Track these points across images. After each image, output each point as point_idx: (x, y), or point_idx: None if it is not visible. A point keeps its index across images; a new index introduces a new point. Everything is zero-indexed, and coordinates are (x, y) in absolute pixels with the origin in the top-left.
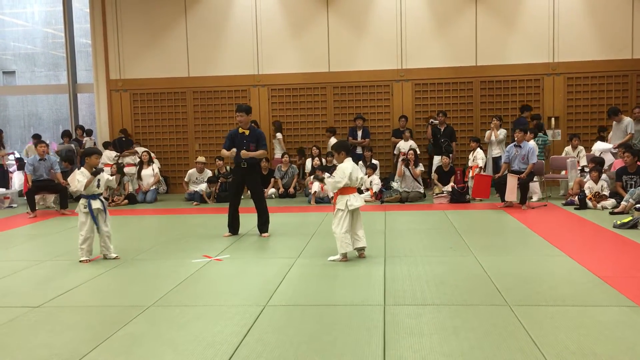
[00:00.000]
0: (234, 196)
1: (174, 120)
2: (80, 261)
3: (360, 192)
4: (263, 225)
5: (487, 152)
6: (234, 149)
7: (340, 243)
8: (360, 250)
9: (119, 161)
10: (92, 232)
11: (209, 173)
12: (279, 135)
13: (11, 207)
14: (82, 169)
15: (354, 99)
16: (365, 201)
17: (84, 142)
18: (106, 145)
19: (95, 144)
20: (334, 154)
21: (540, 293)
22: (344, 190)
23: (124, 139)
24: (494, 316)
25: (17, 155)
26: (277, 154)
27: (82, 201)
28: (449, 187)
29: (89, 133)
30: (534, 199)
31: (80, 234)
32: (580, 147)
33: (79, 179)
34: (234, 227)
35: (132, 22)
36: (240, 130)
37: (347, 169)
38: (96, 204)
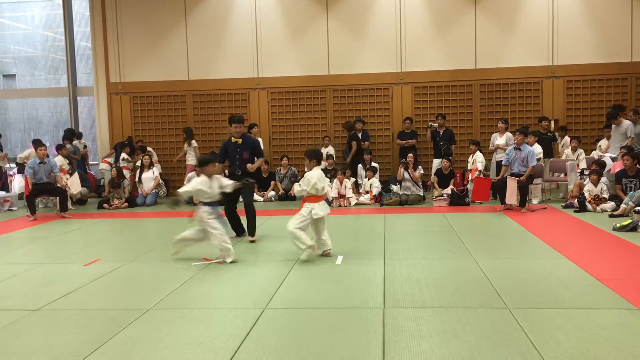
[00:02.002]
0: (228, 202)
1: (174, 123)
2: (174, 254)
3: (329, 202)
4: (251, 228)
5: (492, 155)
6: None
7: (298, 239)
8: (326, 251)
9: (118, 164)
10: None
11: None
12: (194, 142)
13: (11, 210)
14: (203, 177)
15: (354, 102)
16: (365, 204)
17: (74, 144)
18: (122, 146)
19: (85, 146)
20: (306, 160)
21: (539, 296)
22: (310, 198)
23: (126, 142)
24: (493, 319)
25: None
26: (191, 161)
27: (206, 209)
28: (448, 190)
29: (79, 136)
30: (534, 201)
31: (191, 236)
32: (580, 150)
33: (193, 186)
34: (237, 228)
35: (132, 25)
36: (233, 139)
37: (313, 178)
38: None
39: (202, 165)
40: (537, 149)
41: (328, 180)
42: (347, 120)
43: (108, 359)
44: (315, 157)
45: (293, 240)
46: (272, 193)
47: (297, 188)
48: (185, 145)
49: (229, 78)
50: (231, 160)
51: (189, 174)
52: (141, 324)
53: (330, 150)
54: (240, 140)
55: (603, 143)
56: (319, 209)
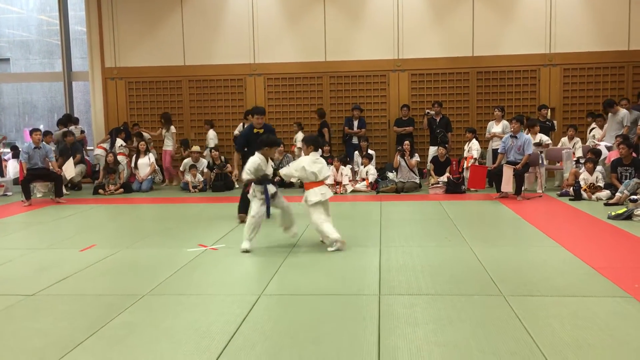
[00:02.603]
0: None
1: (170, 109)
2: (244, 250)
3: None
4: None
5: (489, 144)
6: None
7: (321, 233)
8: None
9: (114, 150)
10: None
11: (204, 162)
12: (172, 128)
13: (6, 195)
14: (261, 156)
15: (350, 89)
16: (361, 191)
17: (70, 129)
18: (117, 132)
19: (83, 132)
20: (303, 146)
21: (534, 283)
22: (308, 184)
23: (121, 128)
24: (489, 306)
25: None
26: (168, 147)
27: (258, 187)
28: (444, 178)
29: (76, 121)
30: (539, 190)
31: (251, 221)
32: (577, 139)
33: (249, 168)
34: (245, 209)
35: (128, 9)
36: (255, 130)
37: (301, 162)
38: (272, 189)
39: (271, 146)
40: (543, 137)
41: (325, 165)
42: (345, 105)
43: (104, 344)
44: (312, 143)
45: (323, 232)
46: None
47: (282, 171)
48: (164, 131)
49: (225, 64)
50: (253, 150)
51: (185, 160)
52: (137, 309)
53: (299, 136)
54: (262, 131)
55: (597, 132)
56: (313, 194)
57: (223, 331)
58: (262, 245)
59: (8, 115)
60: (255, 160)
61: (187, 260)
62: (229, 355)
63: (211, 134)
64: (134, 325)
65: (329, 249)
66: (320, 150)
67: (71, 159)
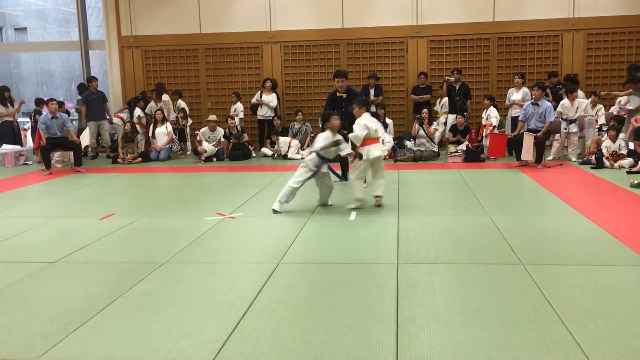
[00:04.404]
0: None
1: (186, 77)
2: (275, 211)
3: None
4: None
5: (508, 111)
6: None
7: (353, 187)
8: (377, 197)
9: (132, 119)
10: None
11: (221, 132)
12: (165, 97)
13: (26, 164)
14: (328, 131)
15: (368, 56)
16: None
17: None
18: (136, 101)
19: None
20: (355, 108)
21: (554, 252)
22: (366, 141)
23: (139, 97)
24: (508, 275)
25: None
26: (171, 116)
27: (316, 160)
28: (463, 146)
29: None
30: (573, 158)
31: (293, 186)
32: (600, 106)
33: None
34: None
35: None
36: (338, 94)
37: (362, 121)
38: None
39: (325, 121)
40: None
41: (380, 124)
42: (362, 73)
43: (125, 311)
44: (365, 105)
45: (353, 188)
46: (295, 143)
47: (352, 135)
48: (160, 103)
49: (241, 31)
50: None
51: (202, 129)
52: (156, 277)
53: (239, 106)
54: (345, 95)
55: (623, 98)
56: (375, 149)
57: (242, 298)
58: (279, 214)
59: (26, 84)
60: (325, 136)
61: (206, 229)
62: (248, 322)
63: (240, 106)
64: (153, 292)
65: (348, 206)
66: (369, 110)
67: (87, 128)
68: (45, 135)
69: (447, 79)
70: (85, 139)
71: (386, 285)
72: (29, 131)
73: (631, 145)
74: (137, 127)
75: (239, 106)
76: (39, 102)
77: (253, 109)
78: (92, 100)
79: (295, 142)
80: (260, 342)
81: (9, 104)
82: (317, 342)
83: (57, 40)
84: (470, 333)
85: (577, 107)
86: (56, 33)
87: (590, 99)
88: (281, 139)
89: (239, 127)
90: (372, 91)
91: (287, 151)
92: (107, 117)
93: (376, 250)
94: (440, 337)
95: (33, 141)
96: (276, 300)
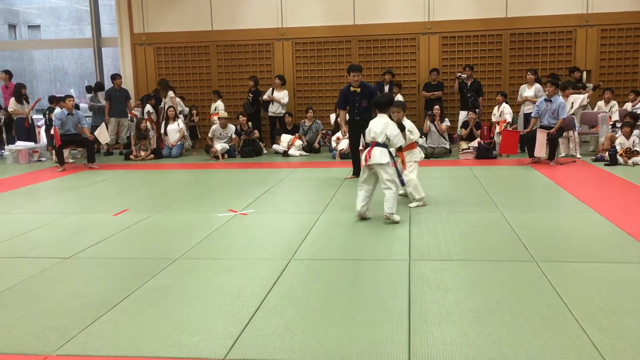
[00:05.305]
0: (354, 145)
1: (198, 74)
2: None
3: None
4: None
5: (520, 108)
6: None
7: (415, 188)
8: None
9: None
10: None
11: (232, 128)
12: (171, 93)
13: (40, 160)
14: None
15: (379, 53)
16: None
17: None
18: (148, 98)
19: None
20: (399, 111)
21: (568, 249)
22: (411, 145)
23: (152, 94)
24: (520, 272)
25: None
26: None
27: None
28: (475, 143)
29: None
30: (577, 154)
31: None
32: (613, 102)
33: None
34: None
35: None
36: (352, 88)
37: (407, 125)
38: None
39: (387, 106)
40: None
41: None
42: (373, 70)
43: (138, 306)
44: (404, 108)
45: (410, 189)
46: (299, 143)
47: (410, 136)
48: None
49: (252, 28)
50: (351, 108)
51: (213, 126)
52: (169, 273)
53: (220, 105)
54: (359, 90)
55: None
56: (418, 152)
57: (254, 295)
58: (291, 211)
59: (40, 82)
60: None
61: (218, 225)
62: (261, 318)
63: (220, 105)
64: (166, 288)
65: (410, 205)
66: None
67: (104, 124)
68: (60, 131)
69: (459, 75)
70: (105, 135)
71: (398, 281)
72: (43, 128)
73: None
74: (147, 123)
75: (219, 104)
76: (52, 99)
77: (264, 105)
78: (115, 97)
79: (299, 142)
80: (273, 338)
81: (24, 101)
82: (329, 338)
83: (70, 38)
84: (482, 330)
85: (572, 103)
86: (69, 30)
87: (587, 94)
88: (283, 136)
89: (250, 124)
90: (386, 87)
91: (288, 149)
92: (129, 114)
93: (388, 247)
94: (452, 333)
95: (47, 138)
96: (288, 297)
